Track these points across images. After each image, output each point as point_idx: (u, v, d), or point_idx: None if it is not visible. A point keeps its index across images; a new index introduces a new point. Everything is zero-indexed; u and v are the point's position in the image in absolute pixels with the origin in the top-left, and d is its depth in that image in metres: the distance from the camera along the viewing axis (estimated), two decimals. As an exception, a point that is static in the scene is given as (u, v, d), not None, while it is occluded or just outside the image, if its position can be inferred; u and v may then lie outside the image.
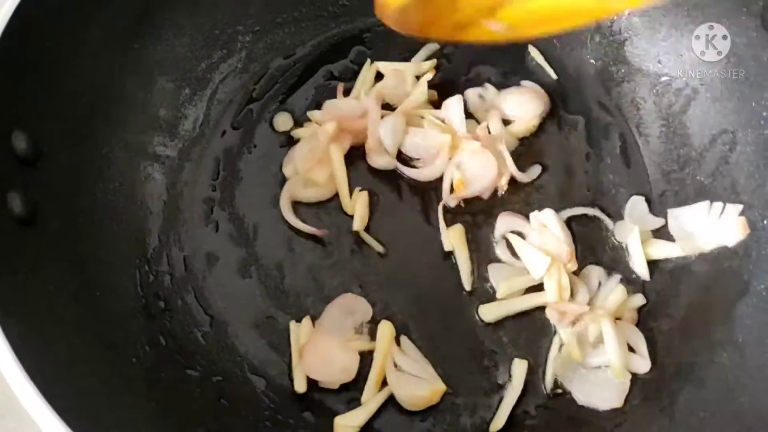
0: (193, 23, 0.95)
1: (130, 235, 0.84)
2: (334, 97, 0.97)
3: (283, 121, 0.96)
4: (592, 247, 0.88)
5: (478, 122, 0.94)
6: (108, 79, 0.85)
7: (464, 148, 0.89)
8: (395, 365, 0.79)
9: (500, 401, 0.79)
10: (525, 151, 0.94)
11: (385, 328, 0.80)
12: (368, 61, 1.00)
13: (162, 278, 0.83)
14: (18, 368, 0.55)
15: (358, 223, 0.87)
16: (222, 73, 0.98)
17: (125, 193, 0.85)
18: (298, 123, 0.96)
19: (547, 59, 1.01)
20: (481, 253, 0.87)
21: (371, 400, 0.77)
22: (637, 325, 0.83)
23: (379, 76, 0.99)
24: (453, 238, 0.86)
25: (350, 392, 0.79)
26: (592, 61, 1.00)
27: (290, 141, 0.94)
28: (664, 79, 0.95)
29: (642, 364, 0.79)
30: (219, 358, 0.79)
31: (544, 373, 0.80)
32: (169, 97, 0.93)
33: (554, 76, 1.00)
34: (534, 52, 1.01)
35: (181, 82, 0.94)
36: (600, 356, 0.79)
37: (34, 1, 0.71)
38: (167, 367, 0.76)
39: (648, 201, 0.90)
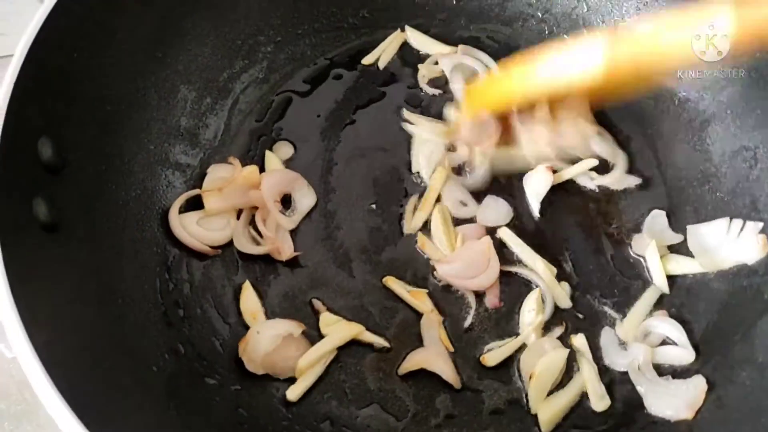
0: (215, 33, 0.96)
1: (151, 243, 0.84)
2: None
3: (284, 152, 0.95)
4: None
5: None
6: (131, 87, 0.86)
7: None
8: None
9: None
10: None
11: None
12: (398, 29, 1.04)
13: (182, 286, 0.84)
14: (42, 372, 0.55)
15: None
16: (243, 83, 0.99)
17: (146, 201, 0.86)
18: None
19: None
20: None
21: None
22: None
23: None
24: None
25: (370, 407, 0.79)
26: (612, 75, 1.00)
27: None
28: (683, 94, 0.95)
29: (686, 354, 0.79)
30: (237, 367, 0.79)
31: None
32: (191, 106, 0.94)
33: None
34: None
35: (203, 91, 0.95)
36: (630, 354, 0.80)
37: (62, 13, 0.72)
38: (186, 375, 0.76)
39: (667, 216, 0.90)
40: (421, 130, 0.95)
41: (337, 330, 0.81)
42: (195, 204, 0.88)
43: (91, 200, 0.77)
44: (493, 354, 0.81)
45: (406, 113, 0.97)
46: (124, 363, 0.70)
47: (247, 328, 0.82)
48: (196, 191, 0.88)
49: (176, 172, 0.90)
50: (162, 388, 0.72)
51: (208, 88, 0.96)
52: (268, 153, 0.94)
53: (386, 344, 0.81)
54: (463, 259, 0.85)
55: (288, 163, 0.94)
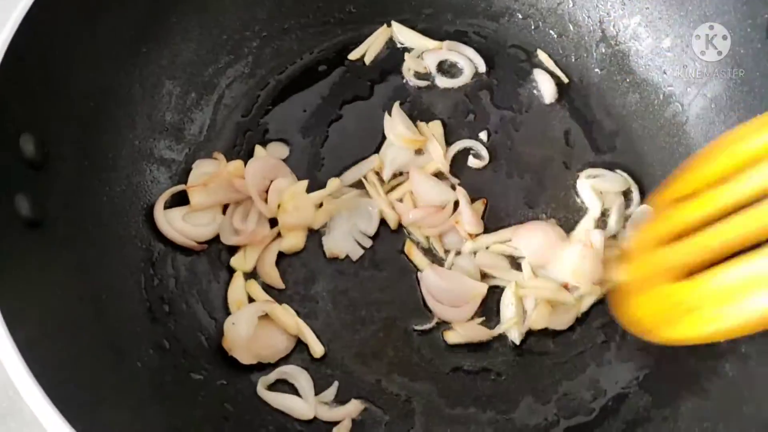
0: (200, 28, 0.95)
1: (136, 238, 0.84)
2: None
3: (277, 151, 0.95)
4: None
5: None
6: (115, 82, 0.86)
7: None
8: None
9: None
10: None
11: None
12: (384, 24, 1.03)
13: (167, 282, 0.83)
14: (25, 370, 0.55)
15: None
16: (229, 78, 0.98)
17: (131, 197, 0.85)
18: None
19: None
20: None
21: None
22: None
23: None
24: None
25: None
26: (597, 70, 1.01)
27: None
28: (668, 89, 0.95)
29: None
30: (223, 362, 0.79)
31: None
32: (176, 101, 0.93)
33: (566, 79, 1.01)
34: (543, 56, 1.02)
35: (188, 86, 0.95)
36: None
37: (43, 7, 0.71)
38: (171, 371, 0.76)
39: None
40: (391, 134, 0.94)
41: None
42: (180, 200, 0.88)
43: (74, 196, 0.77)
44: (455, 333, 0.82)
45: (387, 117, 0.95)
46: (108, 359, 0.70)
47: (233, 323, 0.81)
48: (181, 187, 0.88)
49: (161, 168, 0.90)
50: (147, 384, 0.72)
51: (193, 83, 0.95)
52: (257, 147, 0.94)
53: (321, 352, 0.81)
54: (452, 283, 0.83)
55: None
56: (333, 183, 0.90)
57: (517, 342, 0.82)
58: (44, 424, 0.55)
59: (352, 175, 0.92)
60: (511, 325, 0.82)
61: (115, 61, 0.85)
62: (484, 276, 0.86)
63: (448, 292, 0.83)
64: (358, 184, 0.92)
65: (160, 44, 0.91)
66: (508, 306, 0.83)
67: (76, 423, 0.55)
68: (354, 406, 0.78)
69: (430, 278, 0.84)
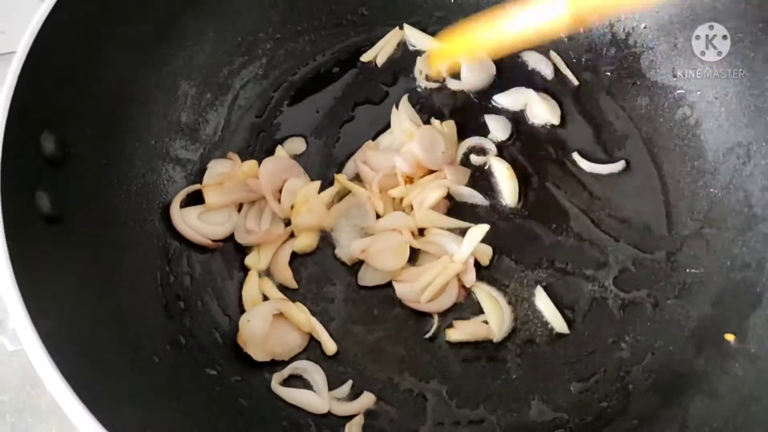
0: (216, 30, 0.97)
1: (152, 236, 0.85)
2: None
3: (295, 146, 0.96)
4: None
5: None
6: (133, 83, 0.87)
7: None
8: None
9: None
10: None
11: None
12: (396, 27, 1.04)
13: (182, 279, 0.85)
14: (49, 362, 0.56)
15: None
16: (243, 79, 0.99)
17: (147, 195, 0.86)
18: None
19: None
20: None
21: None
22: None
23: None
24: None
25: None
26: (608, 72, 1.01)
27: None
28: (679, 92, 0.96)
29: None
30: (237, 358, 0.80)
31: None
32: (191, 101, 0.95)
33: (575, 82, 1.01)
34: (555, 58, 1.03)
35: (203, 87, 0.96)
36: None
37: (63, 10, 0.72)
38: (187, 366, 0.77)
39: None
40: (397, 129, 0.95)
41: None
42: (195, 199, 0.89)
43: (92, 193, 0.78)
44: (457, 331, 0.83)
45: (394, 111, 0.97)
46: (126, 353, 0.71)
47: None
48: (196, 186, 0.89)
49: (177, 167, 0.91)
50: (163, 379, 0.73)
51: (208, 84, 0.96)
52: (278, 147, 0.95)
53: (334, 350, 0.82)
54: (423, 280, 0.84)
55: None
56: (339, 179, 0.91)
57: (497, 337, 0.83)
58: (67, 414, 0.56)
59: (350, 167, 0.94)
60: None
61: (133, 62, 0.86)
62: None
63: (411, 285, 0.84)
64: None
65: (177, 46, 0.93)
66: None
67: (97, 413, 0.56)
68: (367, 399, 0.78)
69: (399, 288, 0.84)
